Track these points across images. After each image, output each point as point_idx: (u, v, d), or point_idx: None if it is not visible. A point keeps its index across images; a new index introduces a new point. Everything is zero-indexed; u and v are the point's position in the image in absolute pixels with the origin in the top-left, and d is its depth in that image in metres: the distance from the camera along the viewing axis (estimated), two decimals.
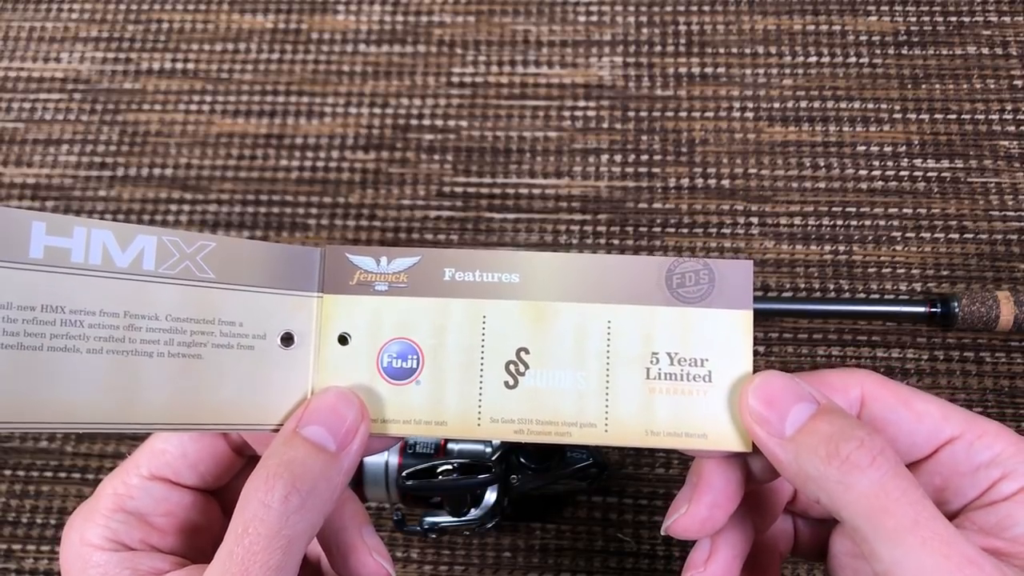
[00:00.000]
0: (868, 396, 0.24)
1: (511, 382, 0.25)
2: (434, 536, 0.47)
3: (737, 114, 0.59)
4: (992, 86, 0.58)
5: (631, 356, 0.24)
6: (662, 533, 0.26)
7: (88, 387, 0.21)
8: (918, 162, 0.56)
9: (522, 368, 0.25)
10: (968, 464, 0.23)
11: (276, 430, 0.24)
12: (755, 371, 0.24)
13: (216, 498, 0.28)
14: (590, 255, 0.25)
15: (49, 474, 0.52)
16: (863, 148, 0.57)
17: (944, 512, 0.24)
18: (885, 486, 0.20)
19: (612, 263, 0.25)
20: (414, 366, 0.25)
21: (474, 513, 0.44)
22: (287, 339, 0.25)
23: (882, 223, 0.55)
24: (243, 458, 0.28)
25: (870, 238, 0.55)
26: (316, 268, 0.25)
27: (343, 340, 0.25)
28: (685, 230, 0.56)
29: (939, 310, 0.49)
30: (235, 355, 0.24)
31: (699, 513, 0.24)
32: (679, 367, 0.24)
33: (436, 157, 0.59)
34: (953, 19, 0.60)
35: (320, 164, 0.59)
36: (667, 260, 0.25)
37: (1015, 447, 0.23)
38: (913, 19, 0.60)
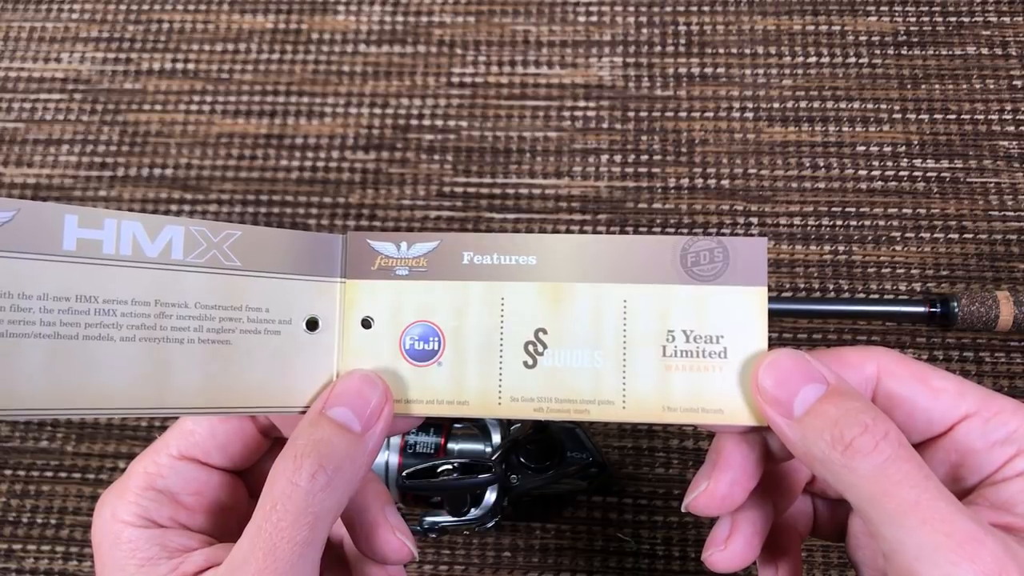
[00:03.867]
0: (884, 373, 0.24)
1: (530, 362, 0.25)
2: (434, 536, 0.47)
3: (737, 114, 0.59)
4: (992, 86, 0.58)
5: (647, 334, 0.25)
6: (682, 510, 0.26)
7: (122, 373, 0.22)
8: (918, 162, 0.56)
9: (540, 348, 0.25)
10: (984, 441, 0.24)
11: (303, 412, 0.25)
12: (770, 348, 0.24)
13: (243, 479, 0.29)
14: (605, 236, 0.26)
15: (49, 474, 0.52)
16: (863, 148, 0.57)
17: (959, 488, 0.24)
18: (887, 470, 0.21)
19: (627, 243, 0.25)
20: (435, 348, 0.25)
21: (474, 513, 0.44)
22: (312, 324, 0.25)
23: (882, 223, 0.55)
24: (270, 440, 0.28)
25: (870, 238, 0.55)
26: (338, 254, 0.26)
27: (366, 324, 0.26)
28: (685, 230, 0.56)
29: (939, 310, 0.49)
30: (262, 340, 0.25)
31: (719, 490, 0.25)
32: (695, 344, 0.25)
33: (436, 157, 0.59)
34: (953, 19, 0.60)
35: (320, 164, 0.59)
36: (681, 239, 0.25)
37: None
38: (913, 19, 0.60)
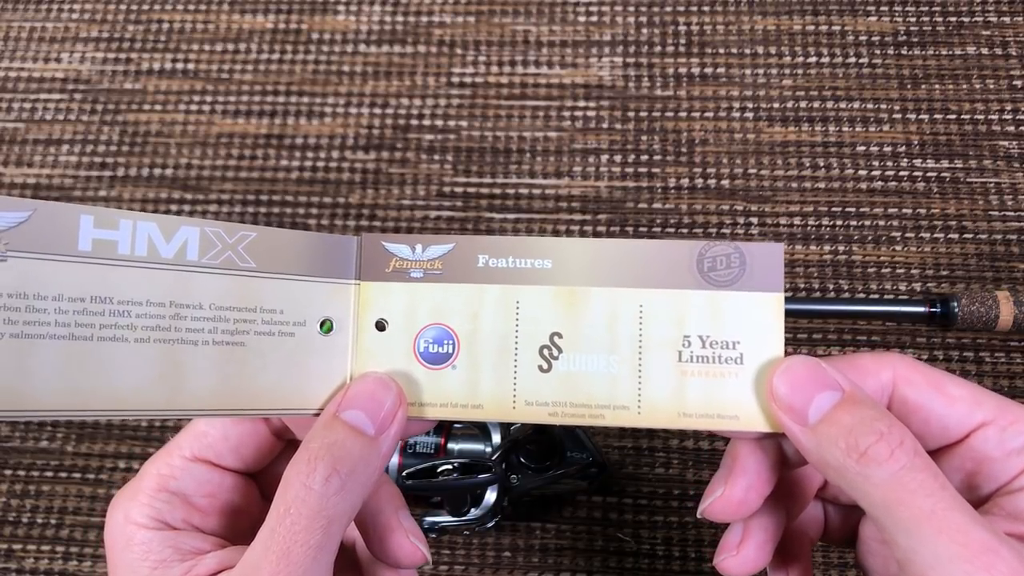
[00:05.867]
0: (900, 380, 0.24)
1: (545, 366, 0.25)
2: (434, 536, 0.47)
3: (737, 114, 0.59)
4: (992, 86, 0.58)
5: (663, 339, 0.25)
6: (698, 516, 0.26)
7: (136, 375, 0.22)
8: (918, 162, 0.56)
9: (556, 352, 0.25)
10: (1000, 449, 0.23)
11: (316, 415, 0.25)
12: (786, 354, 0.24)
13: (256, 482, 0.29)
14: (621, 240, 0.26)
15: (49, 474, 0.52)
16: (863, 148, 0.57)
17: (974, 497, 0.24)
18: (902, 479, 0.21)
19: (643, 248, 0.25)
20: (450, 351, 0.25)
21: (474, 513, 0.44)
22: (326, 326, 0.25)
23: (882, 223, 0.55)
24: (282, 442, 0.28)
25: (870, 238, 0.55)
26: (353, 256, 0.26)
27: (380, 326, 0.26)
28: (685, 230, 0.56)
29: (939, 310, 0.49)
30: (276, 342, 0.25)
31: (735, 495, 0.25)
32: (711, 350, 0.24)
33: (436, 157, 0.59)
34: (953, 19, 0.60)
35: (320, 164, 0.59)
36: (698, 244, 0.25)
37: None
38: (913, 19, 0.60)
